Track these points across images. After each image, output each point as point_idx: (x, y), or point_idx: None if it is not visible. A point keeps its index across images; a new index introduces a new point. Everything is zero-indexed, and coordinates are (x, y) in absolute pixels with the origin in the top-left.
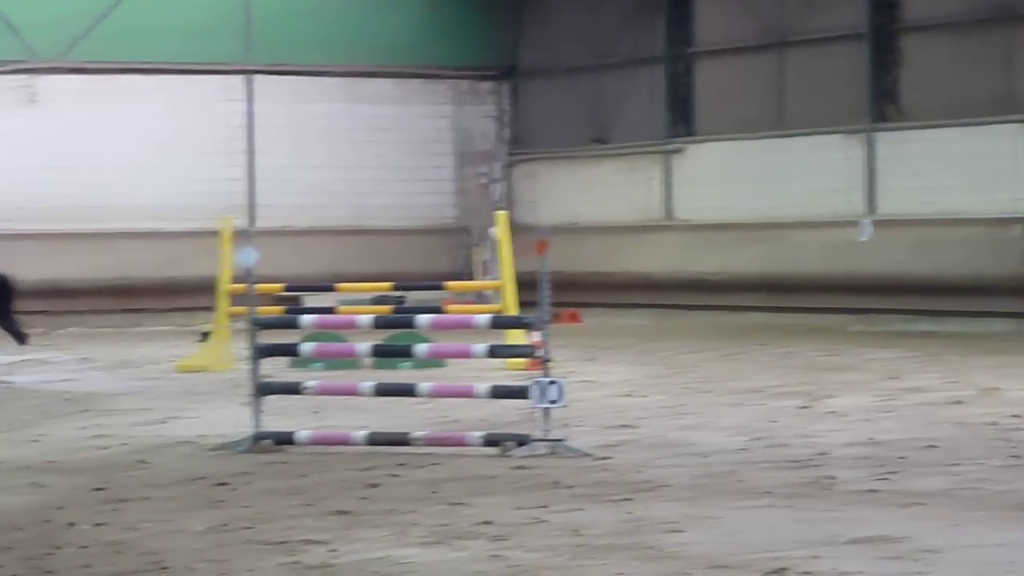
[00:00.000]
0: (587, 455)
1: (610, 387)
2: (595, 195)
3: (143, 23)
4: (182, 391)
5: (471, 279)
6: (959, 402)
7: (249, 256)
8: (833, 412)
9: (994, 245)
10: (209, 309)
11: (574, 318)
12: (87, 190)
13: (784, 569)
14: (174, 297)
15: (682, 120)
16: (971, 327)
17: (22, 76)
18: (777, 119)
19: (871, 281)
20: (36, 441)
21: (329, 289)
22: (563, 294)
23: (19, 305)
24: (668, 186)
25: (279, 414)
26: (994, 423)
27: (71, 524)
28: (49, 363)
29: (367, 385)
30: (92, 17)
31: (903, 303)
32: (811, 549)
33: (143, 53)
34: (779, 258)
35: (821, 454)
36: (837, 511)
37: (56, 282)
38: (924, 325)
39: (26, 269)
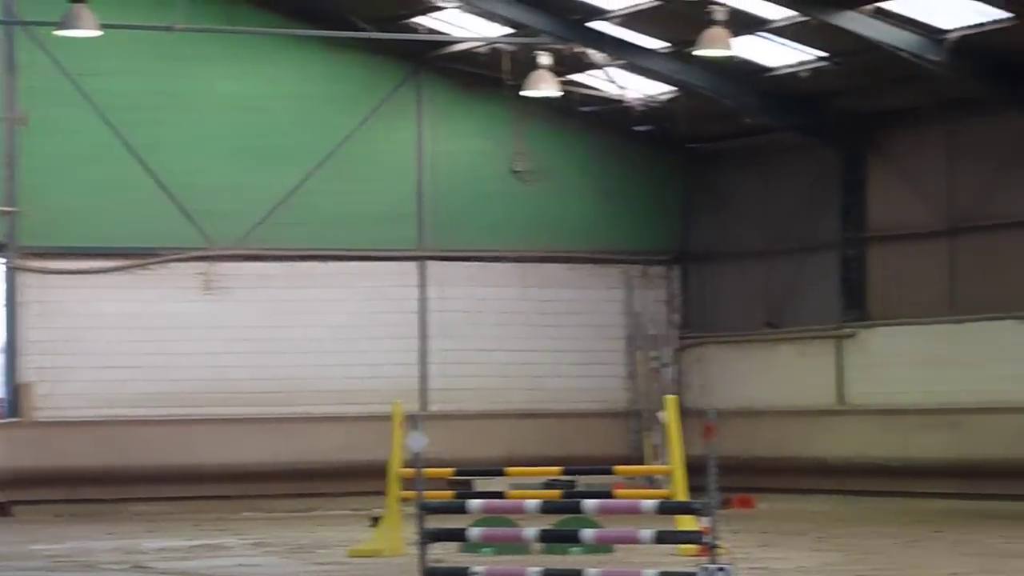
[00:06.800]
0: None
1: (783, 574)
2: (768, 379)
3: (318, 211)
4: None
5: (642, 463)
6: None
7: (418, 440)
8: None
9: None
10: (383, 493)
11: (747, 503)
12: (264, 375)
13: None
14: (350, 481)
15: (855, 305)
16: None
17: (199, 263)
18: (951, 304)
19: None
20: None
21: (499, 473)
22: (737, 479)
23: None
24: (841, 370)
25: None
26: None
27: None
28: (223, 548)
29: (535, 571)
30: (268, 205)
31: None
32: None
33: (318, 240)
34: (958, 443)
35: None
36: None
37: (232, 466)
38: None
39: (203, 454)
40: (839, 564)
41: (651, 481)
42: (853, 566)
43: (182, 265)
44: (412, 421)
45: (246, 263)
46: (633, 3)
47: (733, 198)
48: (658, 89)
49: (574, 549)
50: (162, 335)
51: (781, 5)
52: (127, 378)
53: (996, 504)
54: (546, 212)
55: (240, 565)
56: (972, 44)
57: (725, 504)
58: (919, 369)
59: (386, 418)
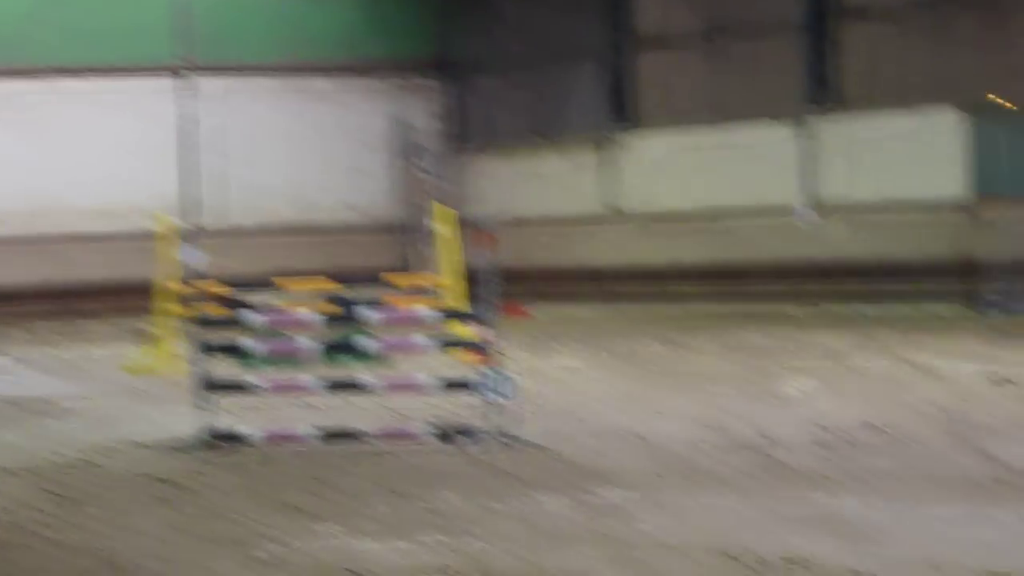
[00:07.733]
0: (537, 446)
1: (559, 379)
2: (539, 189)
3: (74, 24)
4: (130, 392)
5: (415, 274)
6: (901, 384)
7: (194, 255)
8: (778, 397)
9: (932, 228)
10: (152, 310)
11: (521, 311)
12: (24, 194)
13: (735, 551)
14: (118, 299)
15: (622, 112)
16: (911, 310)
17: None
18: (717, 109)
19: (813, 266)
20: None
21: (274, 286)
22: (511, 288)
23: None
24: (610, 178)
25: (228, 413)
26: (936, 404)
27: (23, 527)
28: None
29: (315, 382)
30: (18, 18)
31: (845, 287)
32: (761, 532)
33: (72, 56)
34: (723, 246)
35: (768, 439)
36: (785, 494)
37: None
38: (866, 308)
39: None
40: (612, 366)
41: (425, 291)
42: (626, 368)
43: None
44: (186, 236)
45: None
46: None
47: (500, 6)
48: None
49: (353, 360)
50: None
51: None
52: None
53: (759, 304)
54: (312, 22)
55: (13, 384)
56: None
57: (500, 312)
58: (687, 174)
59: (146, 236)
